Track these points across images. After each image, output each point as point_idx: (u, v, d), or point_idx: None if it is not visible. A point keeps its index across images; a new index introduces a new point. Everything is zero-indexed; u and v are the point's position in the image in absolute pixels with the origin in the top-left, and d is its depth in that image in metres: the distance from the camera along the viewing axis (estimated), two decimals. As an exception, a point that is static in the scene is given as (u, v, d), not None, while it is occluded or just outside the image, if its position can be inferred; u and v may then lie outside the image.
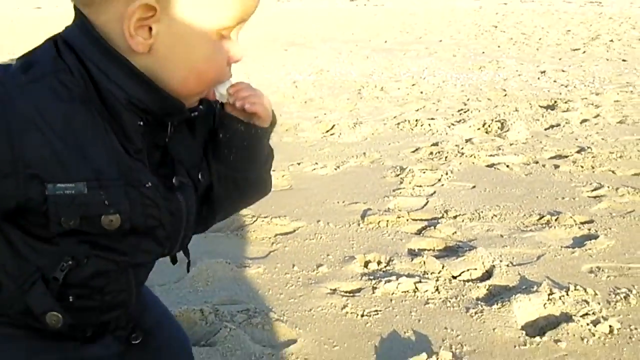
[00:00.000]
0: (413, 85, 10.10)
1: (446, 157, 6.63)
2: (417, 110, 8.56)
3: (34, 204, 1.48)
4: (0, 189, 1.45)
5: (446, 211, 5.27)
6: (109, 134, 1.53)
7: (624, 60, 12.29)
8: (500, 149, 6.90)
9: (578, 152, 6.75)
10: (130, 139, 1.56)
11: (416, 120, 7.88)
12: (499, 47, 14.00)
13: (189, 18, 1.50)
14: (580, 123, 7.84)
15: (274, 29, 16.88)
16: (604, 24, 18.17)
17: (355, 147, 7.09)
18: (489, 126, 7.67)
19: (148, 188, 1.59)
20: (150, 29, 1.49)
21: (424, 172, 6.18)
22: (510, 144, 7.04)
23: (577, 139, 7.21)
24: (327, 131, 7.73)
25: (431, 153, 6.79)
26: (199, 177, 1.75)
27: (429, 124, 7.75)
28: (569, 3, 24.46)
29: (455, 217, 5.17)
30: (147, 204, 1.59)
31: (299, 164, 6.56)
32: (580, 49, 13.61)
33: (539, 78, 10.55)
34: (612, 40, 14.93)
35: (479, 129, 7.66)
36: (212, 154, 1.78)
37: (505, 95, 9.33)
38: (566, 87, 9.88)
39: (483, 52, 13.21)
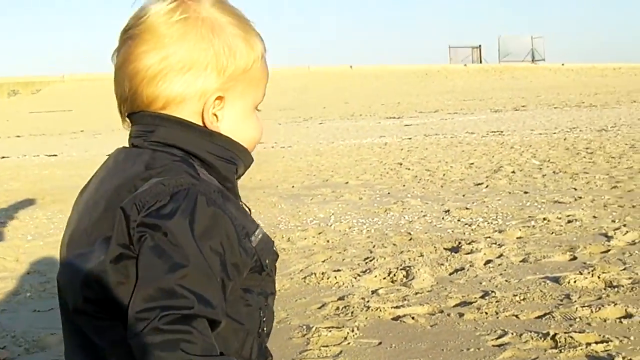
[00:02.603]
0: (319, 233, 10.14)
1: (352, 312, 6.64)
2: (324, 261, 8.57)
3: (255, 258, 1.90)
4: (243, 261, 1.85)
5: (352, 373, 5.25)
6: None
7: (525, 192, 12.54)
8: (405, 299, 6.93)
9: (482, 297, 6.81)
10: (240, 199, 2.02)
11: (322, 273, 7.89)
12: (404, 186, 14.18)
13: (242, 101, 1.97)
14: (484, 265, 7.94)
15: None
16: (505, 154, 18.59)
17: (262, 306, 7.04)
18: (395, 275, 7.71)
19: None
20: (216, 115, 1.94)
21: (330, 331, 6.16)
22: (416, 293, 7.08)
23: (481, 283, 7.29)
24: (235, 290, 7.67)
25: (337, 308, 6.79)
26: None
27: (335, 277, 7.76)
28: (472, 134, 25.02)
29: (361, 379, 5.14)
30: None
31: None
32: (483, 183, 13.85)
33: (443, 218, 10.69)
34: (513, 172, 15.26)
35: (384, 278, 7.69)
36: None
37: (411, 239, 9.41)
38: (470, 226, 10.02)
39: (388, 193, 13.36)
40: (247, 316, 1.93)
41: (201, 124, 1.92)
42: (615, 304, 6.39)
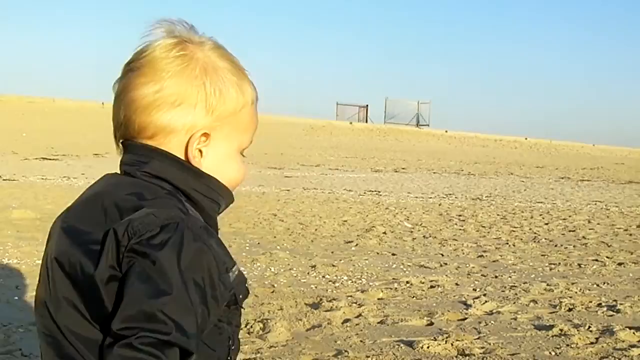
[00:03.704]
0: (183, 279, 10.01)
1: (203, 362, 6.55)
2: (183, 307, 8.46)
3: (232, 292, 2.03)
4: (221, 294, 1.97)
5: None
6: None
7: (393, 254, 12.68)
8: (259, 352, 6.89)
9: (335, 355, 6.81)
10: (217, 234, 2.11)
11: (179, 319, 7.78)
12: (275, 237, 14.16)
13: (227, 142, 2.10)
14: (342, 323, 7.96)
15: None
16: (380, 214, 18.78)
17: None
18: (252, 326, 7.66)
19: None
20: (201, 151, 2.07)
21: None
22: (270, 347, 7.05)
23: (336, 341, 7.29)
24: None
25: (189, 356, 6.70)
26: None
27: (192, 324, 7.66)
28: (350, 191, 25.21)
29: None
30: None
31: None
32: (353, 242, 13.94)
33: (308, 273, 10.71)
34: (385, 233, 15.41)
35: (241, 329, 7.62)
36: None
37: (273, 291, 9.39)
38: (334, 283, 10.06)
39: (258, 243, 13.32)
40: (218, 344, 2.09)
41: (184, 157, 2.07)
42: (464, 373, 6.48)
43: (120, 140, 2.12)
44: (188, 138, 2.05)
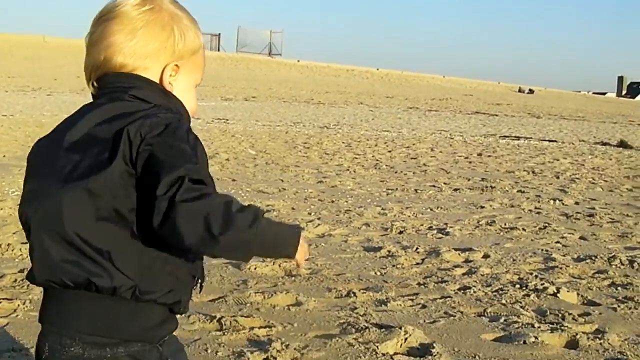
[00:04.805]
0: (18, 205, 9.84)
1: (28, 285, 6.49)
2: (15, 233, 8.33)
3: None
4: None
5: None
6: None
7: (233, 180, 12.79)
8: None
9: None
10: None
11: (8, 245, 7.69)
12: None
13: (188, 76, 2.53)
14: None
15: None
16: (225, 141, 18.83)
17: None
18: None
19: None
20: (170, 84, 2.47)
21: (0, 302, 6.03)
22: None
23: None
24: None
25: (15, 280, 6.65)
26: None
27: (21, 249, 7.55)
28: (197, 119, 25.13)
29: None
30: None
31: None
32: (194, 168, 13.93)
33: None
34: (228, 159, 15.49)
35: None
36: None
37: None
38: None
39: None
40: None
41: None
42: (288, 292, 6.60)
43: (96, 78, 2.45)
44: (161, 71, 2.45)
